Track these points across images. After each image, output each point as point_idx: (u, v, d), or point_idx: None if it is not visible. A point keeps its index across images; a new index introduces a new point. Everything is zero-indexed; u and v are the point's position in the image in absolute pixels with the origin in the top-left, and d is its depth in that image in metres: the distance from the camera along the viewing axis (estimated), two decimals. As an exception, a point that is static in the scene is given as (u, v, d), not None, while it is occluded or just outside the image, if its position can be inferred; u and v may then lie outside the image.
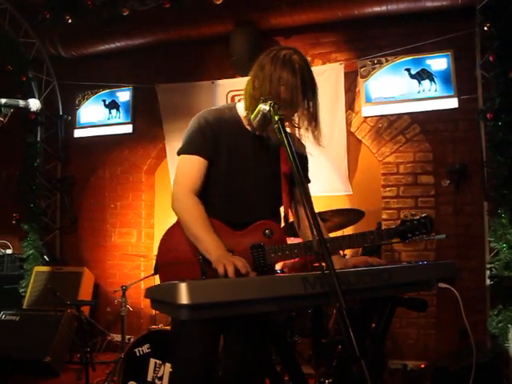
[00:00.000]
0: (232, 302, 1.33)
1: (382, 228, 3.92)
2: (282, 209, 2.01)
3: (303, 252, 1.83)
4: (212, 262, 1.67)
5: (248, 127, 1.94)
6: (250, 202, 1.92)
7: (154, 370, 3.13)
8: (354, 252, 4.21)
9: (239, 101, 2.03)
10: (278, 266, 3.84)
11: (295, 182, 2.01)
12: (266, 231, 1.86)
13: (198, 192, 1.86)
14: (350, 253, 4.18)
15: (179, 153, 1.92)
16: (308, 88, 1.86)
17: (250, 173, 1.93)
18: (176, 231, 1.87)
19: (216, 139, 1.89)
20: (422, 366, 4.04)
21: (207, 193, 1.90)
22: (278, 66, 1.81)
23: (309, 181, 2.07)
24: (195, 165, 1.87)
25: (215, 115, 1.93)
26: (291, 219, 2.09)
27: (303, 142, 2.03)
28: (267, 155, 1.96)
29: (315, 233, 1.46)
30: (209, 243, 1.73)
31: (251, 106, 1.86)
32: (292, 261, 3.88)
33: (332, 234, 2.05)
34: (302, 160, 2.07)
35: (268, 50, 1.91)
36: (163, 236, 1.91)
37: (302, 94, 1.83)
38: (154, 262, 1.91)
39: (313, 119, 1.89)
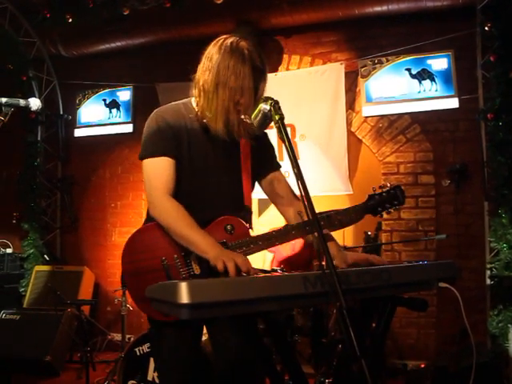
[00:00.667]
0: (232, 302, 1.33)
1: (377, 233, 3.92)
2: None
3: (267, 243, 1.79)
4: (210, 260, 1.64)
5: (204, 121, 1.87)
6: (210, 199, 1.88)
7: (155, 370, 3.13)
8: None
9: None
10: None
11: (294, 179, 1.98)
12: (228, 227, 1.81)
13: (172, 193, 1.81)
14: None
15: (143, 157, 1.85)
16: (259, 74, 1.80)
17: (210, 169, 1.89)
18: (138, 239, 1.83)
19: (176, 137, 1.84)
20: (422, 365, 4.05)
21: None
22: (225, 55, 1.78)
23: (280, 166, 2.06)
24: (164, 166, 1.81)
25: (172, 113, 1.89)
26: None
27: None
28: (226, 150, 1.91)
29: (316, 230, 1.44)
30: (202, 242, 1.69)
31: (201, 100, 1.81)
32: (286, 256, 3.90)
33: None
34: (270, 149, 2.06)
35: (214, 40, 1.87)
36: (124, 247, 1.83)
37: (252, 81, 1.78)
38: (121, 273, 1.86)
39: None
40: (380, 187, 1.88)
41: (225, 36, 1.86)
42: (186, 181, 1.87)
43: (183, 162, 1.85)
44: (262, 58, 1.83)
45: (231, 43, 1.81)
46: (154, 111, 1.92)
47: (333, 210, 1.85)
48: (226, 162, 1.92)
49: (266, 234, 1.82)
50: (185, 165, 1.86)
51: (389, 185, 1.92)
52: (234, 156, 1.93)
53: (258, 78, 1.81)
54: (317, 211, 1.49)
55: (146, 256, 1.78)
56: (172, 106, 1.94)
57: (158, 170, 1.82)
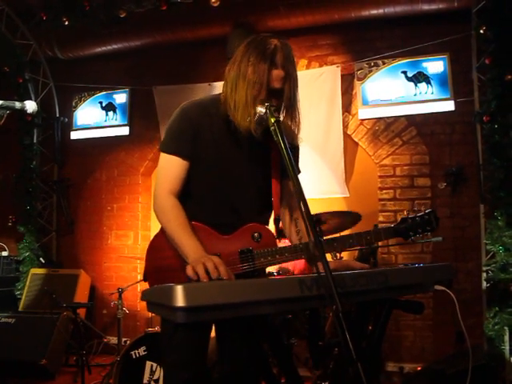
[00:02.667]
0: (228, 305, 1.33)
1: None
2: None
3: (294, 256, 1.74)
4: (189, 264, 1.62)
5: (228, 115, 1.82)
6: (236, 203, 1.84)
7: (150, 373, 3.12)
8: (350, 255, 4.21)
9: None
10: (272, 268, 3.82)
11: (292, 189, 1.91)
12: (255, 235, 1.79)
13: (177, 193, 1.80)
14: (346, 256, 4.18)
15: (161, 149, 1.86)
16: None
17: (237, 171, 1.85)
18: (162, 237, 1.82)
19: (198, 136, 1.81)
20: (419, 368, 4.04)
21: (192, 194, 1.84)
22: (250, 48, 1.77)
23: (299, 171, 1.96)
24: (174, 165, 1.81)
25: (198, 109, 1.85)
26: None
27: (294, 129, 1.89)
28: (256, 151, 1.85)
29: (311, 235, 1.44)
30: (186, 246, 1.67)
31: (225, 89, 1.83)
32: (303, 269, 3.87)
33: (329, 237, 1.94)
34: (294, 151, 1.93)
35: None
36: (150, 242, 1.86)
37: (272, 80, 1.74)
38: (144, 269, 1.86)
39: (290, 111, 1.81)
40: (414, 211, 1.83)
41: (265, 34, 1.84)
42: (210, 182, 1.84)
43: (205, 161, 1.82)
44: (288, 61, 1.77)
45: (261, 38, 1.79)
46: (180, 106, 1.88)
47: (363, 231, 1.79)
48: (255, 164, 1.87)
49: (294, 245, 1.78)
50: (207, 164, 1.82)
51: (423, 209, 1.84)
52: (264, 159, 1.88)
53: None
54: (313, 213, 1.49)
55: (169, 254, 1.78)
56: (199, 102, 1.89)
57: (168, 168, 1.82)
